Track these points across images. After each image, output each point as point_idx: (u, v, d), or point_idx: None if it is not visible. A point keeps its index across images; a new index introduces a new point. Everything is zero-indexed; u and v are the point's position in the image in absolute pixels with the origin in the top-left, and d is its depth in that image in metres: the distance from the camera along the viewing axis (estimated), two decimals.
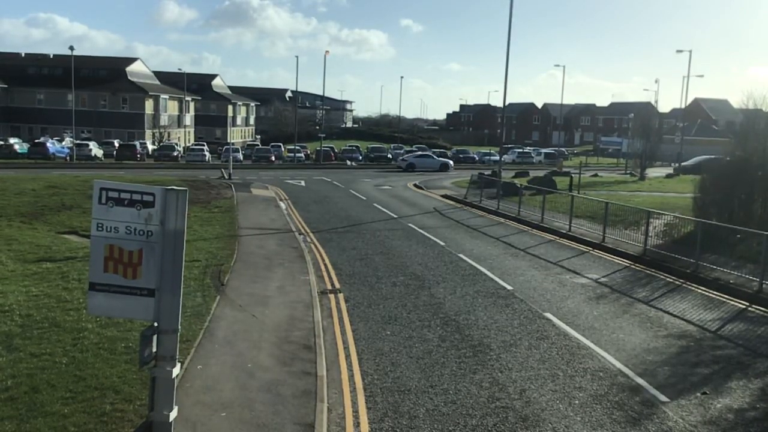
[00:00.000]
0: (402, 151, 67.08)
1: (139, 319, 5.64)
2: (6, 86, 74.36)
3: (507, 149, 69.98)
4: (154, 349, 5.29)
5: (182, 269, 5.40)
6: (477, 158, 71.76)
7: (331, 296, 13.52)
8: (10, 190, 26.22)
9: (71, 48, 56.86)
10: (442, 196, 34.69)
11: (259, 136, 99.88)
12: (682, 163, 56.46)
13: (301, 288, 13.65)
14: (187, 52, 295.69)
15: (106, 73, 76.50)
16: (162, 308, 5.29)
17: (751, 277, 14.79)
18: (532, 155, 74.21)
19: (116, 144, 62.34)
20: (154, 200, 5.27)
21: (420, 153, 62.25)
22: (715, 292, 14.72)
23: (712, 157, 51.82)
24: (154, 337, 5.28)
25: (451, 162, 58.93)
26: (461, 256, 18.07)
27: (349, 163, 63.51)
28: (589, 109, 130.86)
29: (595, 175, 50.97)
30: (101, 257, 5.32)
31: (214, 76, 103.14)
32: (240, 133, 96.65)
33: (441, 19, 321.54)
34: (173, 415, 5.45)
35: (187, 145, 75.67)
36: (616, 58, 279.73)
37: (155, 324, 5.31)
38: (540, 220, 24.37)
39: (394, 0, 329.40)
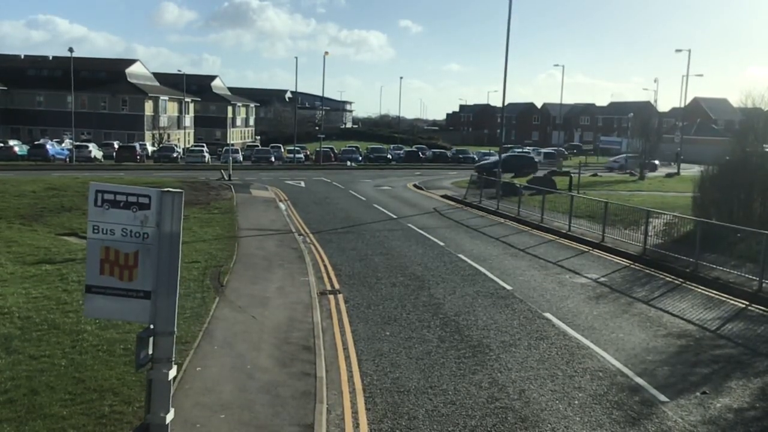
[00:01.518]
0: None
1: (136, 321, 5.63)
2: (6, 88, 74.37)
3: (507, 149, 69.93)
4: (151, 352, 5.28)
5: (178, 271, 5.39)
6: (477, 158, 71.75)
7: (331, 297, 13.51)
8: (10, 192, 26.22)
9: (71, 50, 56.90)
10: (442, 196, 34.68)
11: (258, 137, 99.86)
12: (480, 162, 53.77)
13: (301, 289, 13.64)
14: (186, 54, 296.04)
15: (106, 75, 76.53)
16: (158, 310, 5.29)
17: (750, 277, 14.78)
18: (532, 155, 74.11)
19: (116, 145, 62.31)
20: (149, 202, 5.26)
21: (631, 155, 60.57)
22: (714, 292, 14.71)
23: (514, 154, 51.60)
24: (151, 340, 5.27)
25: (656, 161, 57.71)
26: (461, 256, 18.06)
27: (349, 163, 63.54)
28: (588, 109, 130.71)
29: (595, 175, 50.97)
30: (97, 260, 5.31)
31: (213, 78, 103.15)
32: (240, 134, 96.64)
33: (440, 20, 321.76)
34: (170, 417, 5.44)
35: (187, 146, 75.69)
36: (614, 58, 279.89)
37: (151, 326, 5.30)
38: (539, 220, 24.35)
39: (393, 1, 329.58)
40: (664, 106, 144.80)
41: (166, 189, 5.37)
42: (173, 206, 5.24)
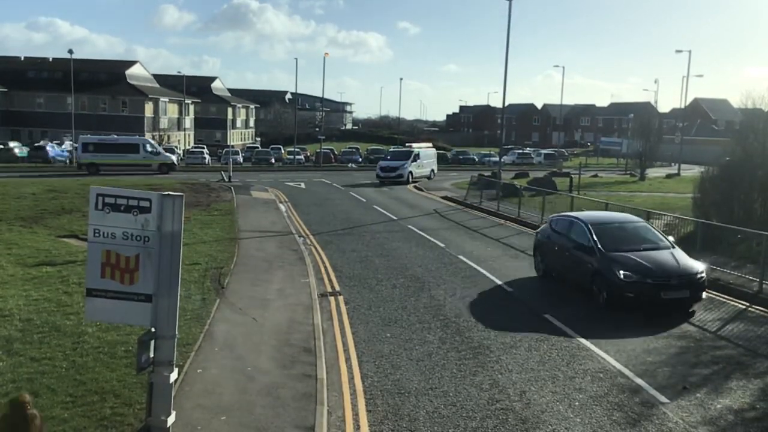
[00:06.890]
0: None
1: (137, 324, 5.64)
2: (6, 90, 74.40)
3: (507, 150, 69.90)
4: (152, 355, 5.29)
5: (179, 275, 5.39)
6: (477, 159, 71.73)
7: (331, 299, 13.51)
8: (10, 194, 26.25)
9: (70, 51, 57.08)
10: (442, 197, 34.66)
11: (258, 139, 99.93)
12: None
13: (301, 291, 13.64)
14: (186, 55, 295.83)
15: (106, 77, 76.54)
16: (159, 314, 5.29)
17: (751, 278, 14.76)
18: (532, 156, 74.17)
19: None
20: (150, 206, 5.27)
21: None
22: (715, 293, 14.67)
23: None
24: (152, 343, 5.27)
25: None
26: (461, 257, 18.05)
27: (350, 165, 63.53)
28: (588, 110, 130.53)
29: (595, 176, 50.93)
30: (98, 263, 5.32)
31: (213, 79, 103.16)
32: (240, 136, 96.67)
33: (438, 21, 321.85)
34: (171, 420, 5.45)
35: (187, 147, 75.72)
36: (612, 59, 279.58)
37: (152, 329, 5.30)
38: (540, 221, 24.31)
39: (391, 2, 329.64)
40: (664, 107, 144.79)
41: (166, 193, 5.38)
42: (174, 210, 5.25)
